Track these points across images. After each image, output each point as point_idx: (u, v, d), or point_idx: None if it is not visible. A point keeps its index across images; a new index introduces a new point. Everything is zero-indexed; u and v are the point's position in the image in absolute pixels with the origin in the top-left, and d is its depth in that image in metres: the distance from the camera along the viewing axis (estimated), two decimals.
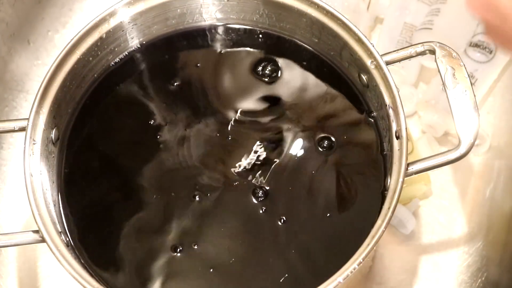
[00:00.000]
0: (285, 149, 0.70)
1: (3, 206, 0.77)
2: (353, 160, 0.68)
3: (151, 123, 0.67)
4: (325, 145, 0.69)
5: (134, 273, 0.69)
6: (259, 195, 0.67)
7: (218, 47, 0.70)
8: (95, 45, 0.64)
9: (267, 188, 0.68)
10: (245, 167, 0.67)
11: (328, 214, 0.68)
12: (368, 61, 0.62)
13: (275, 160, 0.68)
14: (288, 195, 0.70)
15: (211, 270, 0.67)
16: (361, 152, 0.66)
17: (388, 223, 0.54)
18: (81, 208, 0.64)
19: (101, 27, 0.64)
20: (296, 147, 0.69)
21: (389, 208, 0.55)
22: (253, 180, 0.67)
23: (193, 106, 0.68)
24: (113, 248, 0.67)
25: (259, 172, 0.67)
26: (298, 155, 0.70)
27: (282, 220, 0.69)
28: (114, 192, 0.68)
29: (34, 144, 0.59)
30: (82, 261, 0.59)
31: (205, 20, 0.69)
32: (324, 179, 0.70)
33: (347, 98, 0.67)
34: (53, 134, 0.61)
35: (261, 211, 0.68)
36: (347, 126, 0.67)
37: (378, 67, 0.61)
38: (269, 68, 0.68)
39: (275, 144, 0.69)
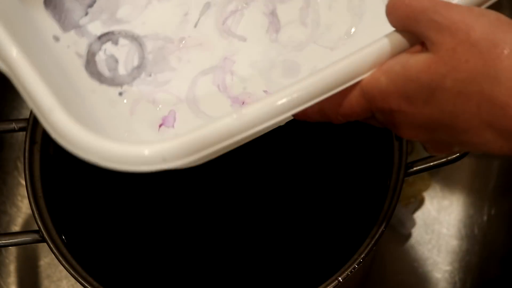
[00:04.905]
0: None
1: (3, 206, 0.77)
2: (353, 160, 0.68)
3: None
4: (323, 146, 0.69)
5: (134, 272, 0.69)
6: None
7: None
8: None
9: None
10: None
11: (329, 214, 0.69)
12: None
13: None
14: (289, 195, 0.70)
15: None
16: (361, 152, 0.67)
17: (388, 223, 0.54)
18: (81, 208, 0.64)
19: None
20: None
21: (388, 208, 0.55)
22: None
23: None
24: (113, 247, 0.67)
25: None
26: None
27: (282, 221, 0.69)
28: (114, 192, 0.68)
29: (34, 144, 0.59)
30: (82, 261, 0.59)
31: None
32: (325, 179, 0.70)
33: None
34: None
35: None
36: (346, 127, 0.67)
37: None
38: None
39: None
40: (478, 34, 0.37)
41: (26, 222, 0.76)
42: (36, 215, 0.56)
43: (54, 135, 0.40)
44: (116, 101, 0.49)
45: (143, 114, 0.49)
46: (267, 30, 0.51)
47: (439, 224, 0.76)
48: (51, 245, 0.55)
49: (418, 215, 0.76)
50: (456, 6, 0.39)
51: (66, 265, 0.55)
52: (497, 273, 0.72)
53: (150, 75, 0.50)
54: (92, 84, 0.49)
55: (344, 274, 0.52)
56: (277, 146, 0.70)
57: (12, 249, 0.75)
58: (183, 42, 0.51)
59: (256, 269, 0.69)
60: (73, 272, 0.54)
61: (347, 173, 0.68)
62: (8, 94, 0.79)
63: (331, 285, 0.52)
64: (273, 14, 0.51)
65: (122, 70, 0.50)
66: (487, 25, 0.38)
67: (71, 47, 0.50)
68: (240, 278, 0.69)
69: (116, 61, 0.50)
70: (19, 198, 0.77)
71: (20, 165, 0.77)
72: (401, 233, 0.75)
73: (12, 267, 0.75)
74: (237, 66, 0.50)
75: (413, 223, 0.75)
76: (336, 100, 0.42)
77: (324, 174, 0.70)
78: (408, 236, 0.75)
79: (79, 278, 0.54)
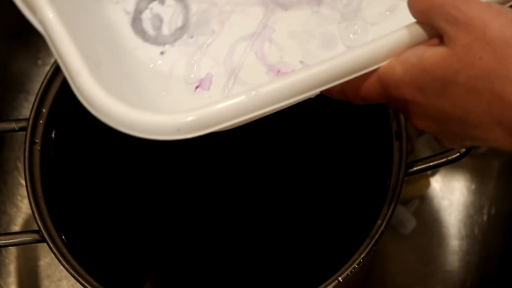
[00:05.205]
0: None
1: (3, 206, 0.77)
2: (353, 160, 0.68)
3: None
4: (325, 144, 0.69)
5: (134, 272, 0.69)
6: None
7: None
8: None
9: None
10: None
11: (329, 214, 0.69)
12: None
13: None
14: (289, 195, 0.70)
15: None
16: (361, 152, 0.67)
17: (388, 223, 0.54)
18: (81, 208, 0.64)
19: None
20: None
21: (389, 208, 0.55)
22: None
23: None
24: (113, 247, 0.67)
25: None
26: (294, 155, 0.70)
27: (282, 221, 0.69)
28: (114, 193, 0.68)
29: (34, 144, 0.59)
30: (82, 261, 0.59)
31: None
32: (324, 179, 0.70)
33: None
34: (53, 134, 0.61)
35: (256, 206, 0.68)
36: (346, 127, 0.67)
37: None
38: None
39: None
40: (494, 32, 0.38)
41: (26, 222, 0.76)
42: (36, 215, 0.56)
43: (79, 97, 0.42)
44: (157, 60, 0.50)
45: (181, 74, 0.50)
46: (309, 0, 0.51)
47: (439, 224, 0.76)
48: (51, 245, 0.55)
49: (418, 215, 0.76)
50: (476, 2, 0.39)
51: (66, 265, 0.55)
52: (497, 273, 0.72)
53: (191, 37, 0.51)
54: (136, 41, 0.51)
55: (344, 274, 0.52)
56: (278, 144, 0.70)
57: (12, 249, 0.75)
58: (227, 6, 0.52)
59: (256, 269, 0.69)
60: (73, 272, 0.54)
61: (347, 173, 0.68)
62: (8, 94, 0.79)
63: (331, 285, 0.52)
64: None
65: (165, 30, 0.51)
66: (504, 24, 0.38)
67: (120, 3, 0.51)
68: (240, 278, 0.69)
69: (161, 20, 0.52)
70: (19, 198, 0.77)
71: (20, 165, 0.77)
72: (401, 233, 0.75)
73: (12, 267, 0.75)
74: (276, 35, 0.51)
75: (413, 223, 0.75)
76: (356, 83, 0.43)
77: (324, 174, 0.70)
78: (408, 236, 0.75)
79: (79, 278, 0.54)
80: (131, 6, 0.52)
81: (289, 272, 0.68)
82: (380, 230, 0.53)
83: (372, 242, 0.53)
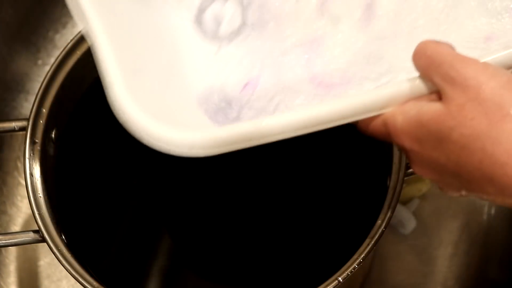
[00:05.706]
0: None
1: (3, 206, 0.77)
2: (353, 160, 0.68)
3: None
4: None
5: (135, 272, 0.69)
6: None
7: None
8: None
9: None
10: None
11: (329, 214, 0.68)
12: None
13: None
14: (289, 195, 0.70)
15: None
16: (361, 152, 0.67)
17: (388, 223, 0.54)
18: (81, 207, 0.64)
19: None
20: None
21: (389, 208, 0.55)
22: None
23: None
24: (113, 247, 0.67)
25: None
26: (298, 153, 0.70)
27: (282, 221, 0.69)
28: (114, 193, 0.68)
29: (34, 144, 0.59)
30: (82, 261, 0.59)
31: None
32: (324, 179, 0.70)
33: None
34: (53, 134, 0.61)
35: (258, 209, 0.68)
36: (347, 127, 0.67)
37: None
38: None
39: None
40: (487, 94, 0.40)
41: (26, 222, 0.76)
42: (36, 215, 0.56)
43: (110, 104, 0.45)
44: (211, 56, 0.53)
45: (232, 72, 0.52)
46: (360, 18, 0.53)
47: (439, 224, 0.76)
48: (51, 245, 0.55)
49: (418, 215, 0.76)
50: (473, 62, 0.41)
51: (66, 265, 0.55)
52: (497, 273, 0.72)
53: (245, 40, 0.53)
54: (195, 37, 0.53)
55: (344, 274, 0.52)
56: (280, 143, 0.70)
57: (12, 249, 0.75)
58: (282, 13, 0.53)
59: (256, 269, 0.69)
60: (73, 272, 0.54)
61: (347, 173, 0.68)
62: (8, 94, 0.79)
63: (331, 285, 0.52)
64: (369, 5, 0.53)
65: (223, 30, 0.54)
66: (497, 86, 0.40)
67: (182, 2, 0.54)
68: (240, 278, 0.69)
69: (220, 21, 0.54)
70: (19, 198, 0.77)
71: (20, 165, 0.77)
72: (401, 233, 0.75)
73: (12, 267, 0.75)
74: (327, 46, 0.52)
75: (413, 223, 0.75)
76: (365, 121, 0.46)
77: (324, 174, 0.70)
78: (408, 236, 0.75)
79: (79, 278, 0.54)
80: (195, 3, 0.54)
81: (289, 272, 0.68)
82: (380, 230, 0.54)
83: (372, 242, 0.53)
